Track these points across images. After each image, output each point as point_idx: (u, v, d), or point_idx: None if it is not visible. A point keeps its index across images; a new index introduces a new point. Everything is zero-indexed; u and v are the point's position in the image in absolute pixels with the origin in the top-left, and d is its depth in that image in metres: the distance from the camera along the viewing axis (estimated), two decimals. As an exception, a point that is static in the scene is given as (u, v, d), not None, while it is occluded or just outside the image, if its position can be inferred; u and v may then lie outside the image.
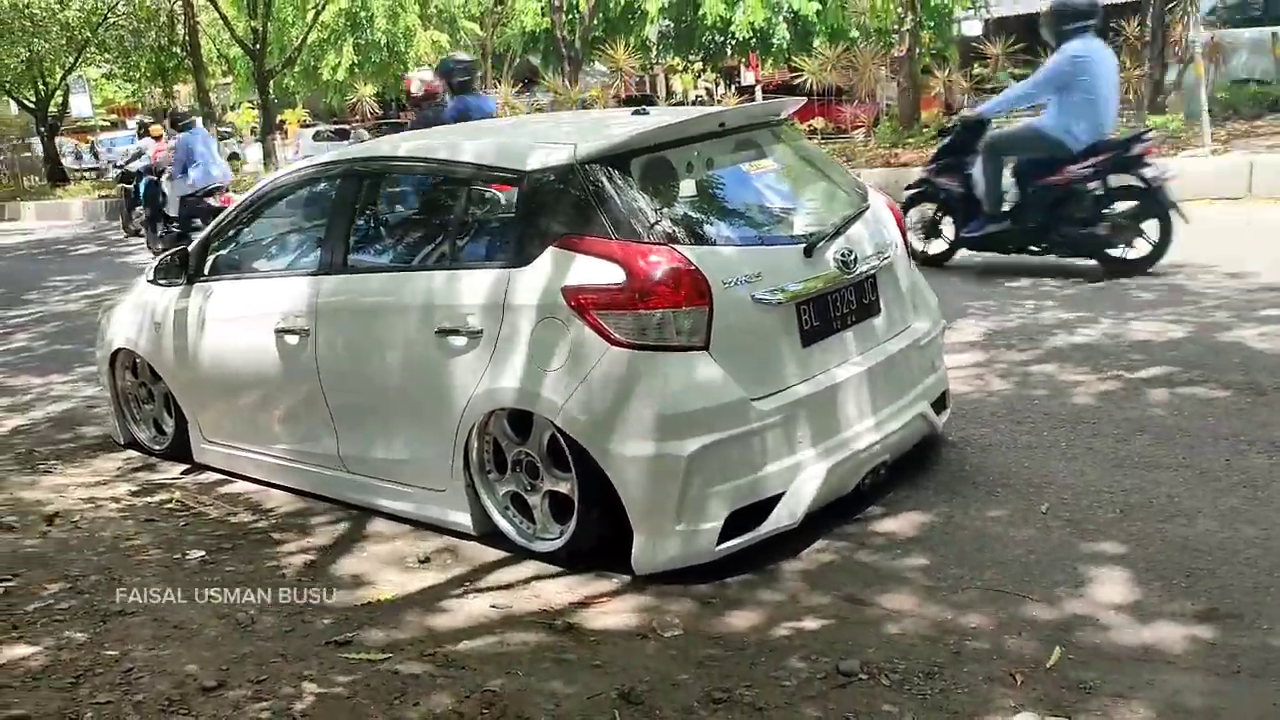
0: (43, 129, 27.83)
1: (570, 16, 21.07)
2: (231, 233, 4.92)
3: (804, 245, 3.74)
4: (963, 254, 7.95)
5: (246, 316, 4.59)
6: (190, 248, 4.94)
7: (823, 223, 3.96)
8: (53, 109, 27.32)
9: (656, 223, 3.56)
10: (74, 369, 7.61)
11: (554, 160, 3.68)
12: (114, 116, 44.17)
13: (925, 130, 13.60)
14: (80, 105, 27.55)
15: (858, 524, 3.86)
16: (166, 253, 5.04)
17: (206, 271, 4.87)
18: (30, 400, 6.95)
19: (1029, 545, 3.57)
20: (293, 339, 4.34)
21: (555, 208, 3.64)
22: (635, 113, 4.28)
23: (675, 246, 3.49)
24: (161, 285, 5.03)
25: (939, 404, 4.33)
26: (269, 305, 4.47)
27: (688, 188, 3.94)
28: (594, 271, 3.49)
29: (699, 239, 3.63)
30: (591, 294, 3.48)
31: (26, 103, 27.81)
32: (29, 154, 30.00)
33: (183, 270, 4.90)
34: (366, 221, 4.49)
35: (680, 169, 3.88)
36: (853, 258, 3.83)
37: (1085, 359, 5.45)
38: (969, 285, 7.36)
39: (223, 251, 4.91)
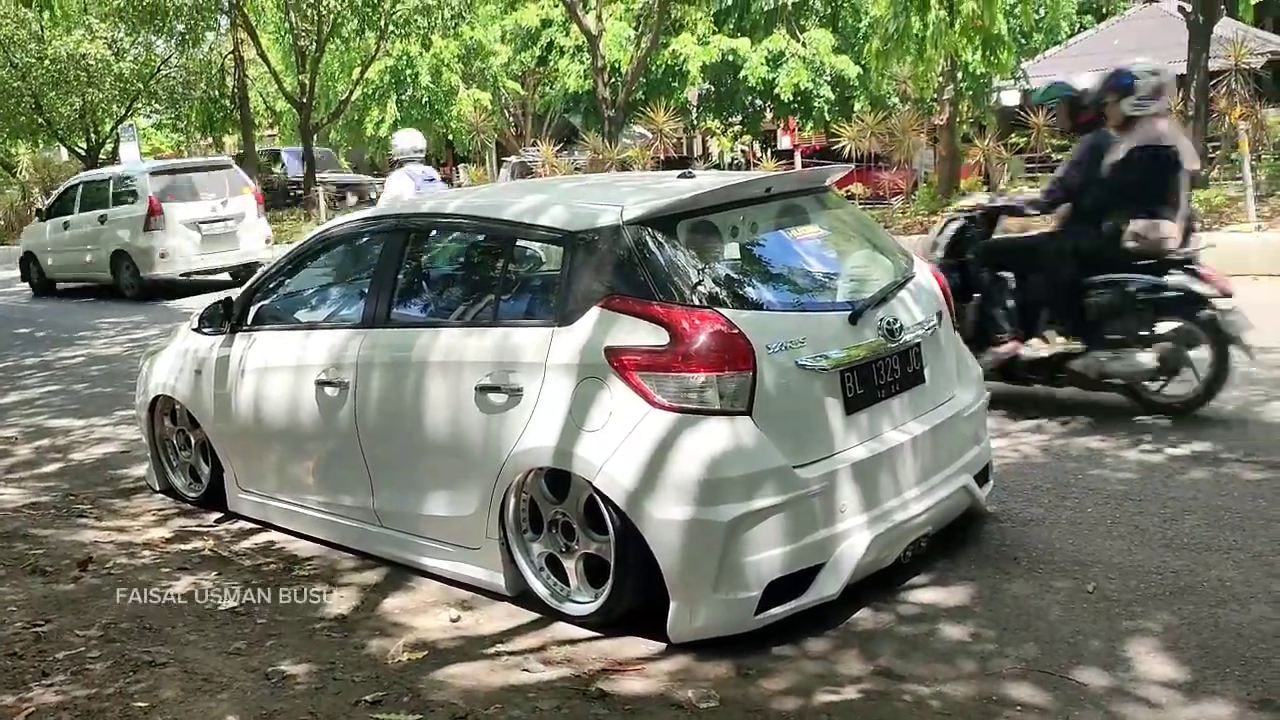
0: (92, 176, 28.41)
1: (613, 79, 21.39)
2: (276, 283, 4.96)
3: (849, 312, 3.72)
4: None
5: (287, 367, 4.61)
6: (235, 296, 4.98)
7: (868, 290, 3.93)
8: (103, 156, 27.92)
9: (701, 286, 3.55)
10: (114, 412, 7.67)
11: (601, 221, 3.69)
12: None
13: (965, 198, 13.63)
14: (129, 153, 28.17)
15: (899, 596, 3.78)
16: (212, 301, 5.08)
17: (250, 321, 4.91)
18: (71, 443, 7.00)
19: (1075, 624, 3.48)
20: (333, 391, 4.35)
21: (600, 268, 3.64)
22: (681, 175, 4.30)
23: (720, 310, 3.48)
24: (205, 333, 5.07)
25: (982, 476, 4.26)
26: (310, 356, 4.49)
27: (733, 252, 3.93)
28: (638, 333, 3.48)
29: (743, 303, 3.61)
30: (634, 355, 3.47)
31: (78, 150, 28.48)
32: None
33: (226, 319, 4.94)
34: (411, 277, 4.50)
35: (726, 233, 3.88)
36: (898, 326, 3.80)
37: (1127, 434, 5.36)
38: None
39: (266, 301, 4.95)
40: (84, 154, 28.19)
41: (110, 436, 7.06)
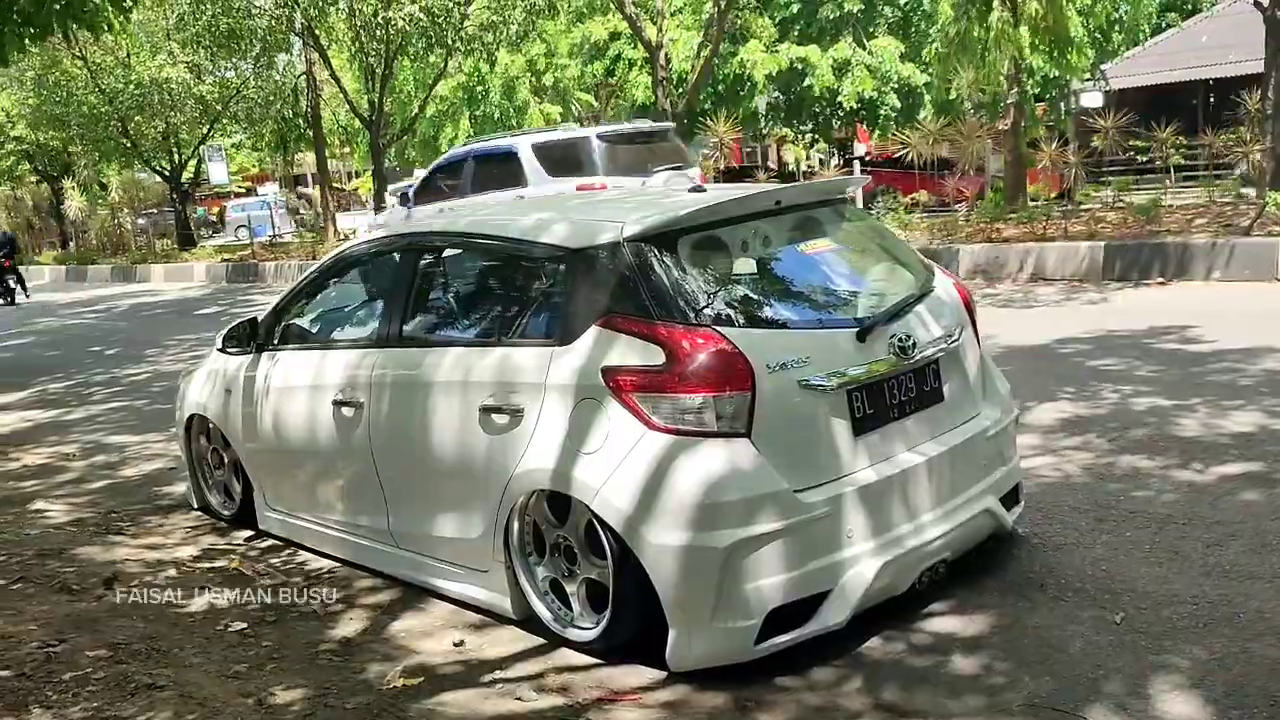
0: (175, 196, 29.32)
1: (680, 89, 21.32)
2: (298, 303, 4.98)
3: (857, 329, 3.58)
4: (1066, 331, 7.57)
5: (307, 386, 4.62)
6: (260, 317, 5.02)
7: (881, 305, 3.78)
8: (186, 176, 28.80)
9: (701, 303, 3.45)
10: (171, 429, 7.80)
11: (601, 239, 3.61)
12: (248, 184, 46.52)
13: (1032, 205, 13.22)
14: (217, 173, 29.07)
15: (913, 625, 3.62)
16: (237, 321, 5.12)
17: (275, 341, 4.94)
18: (123, 459, 7.16)
19: (1096, 658, 3.29)
20: (349, 411, 4.34)
21: (600, 286, 3.57)
22: (692, 190, 4.21)
23: (719, 328, 3.37)
24: (231, 353, 5.12)
25: (1010, 498, 4.07)
26: (328, 376, 4.49)
27: (738, 267, 3.80)
28: (634, 352, 3.39)
29: (745, 320, 3.50)
30: (631, 375, 3.38)
31: (161, 171, 29.39)
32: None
33: (251, 339, 4.98)
34: (421, 295, 4.46)
35: (732, 248, 3.76)
36: (910, 342, 3.65)
37: (1180, 451, 5.10)
38: (1055, 366, 7.02)
39: (289, 321, 4.97)
40: (167, 175, 29.08)
41: (162, 453, 7.19)
